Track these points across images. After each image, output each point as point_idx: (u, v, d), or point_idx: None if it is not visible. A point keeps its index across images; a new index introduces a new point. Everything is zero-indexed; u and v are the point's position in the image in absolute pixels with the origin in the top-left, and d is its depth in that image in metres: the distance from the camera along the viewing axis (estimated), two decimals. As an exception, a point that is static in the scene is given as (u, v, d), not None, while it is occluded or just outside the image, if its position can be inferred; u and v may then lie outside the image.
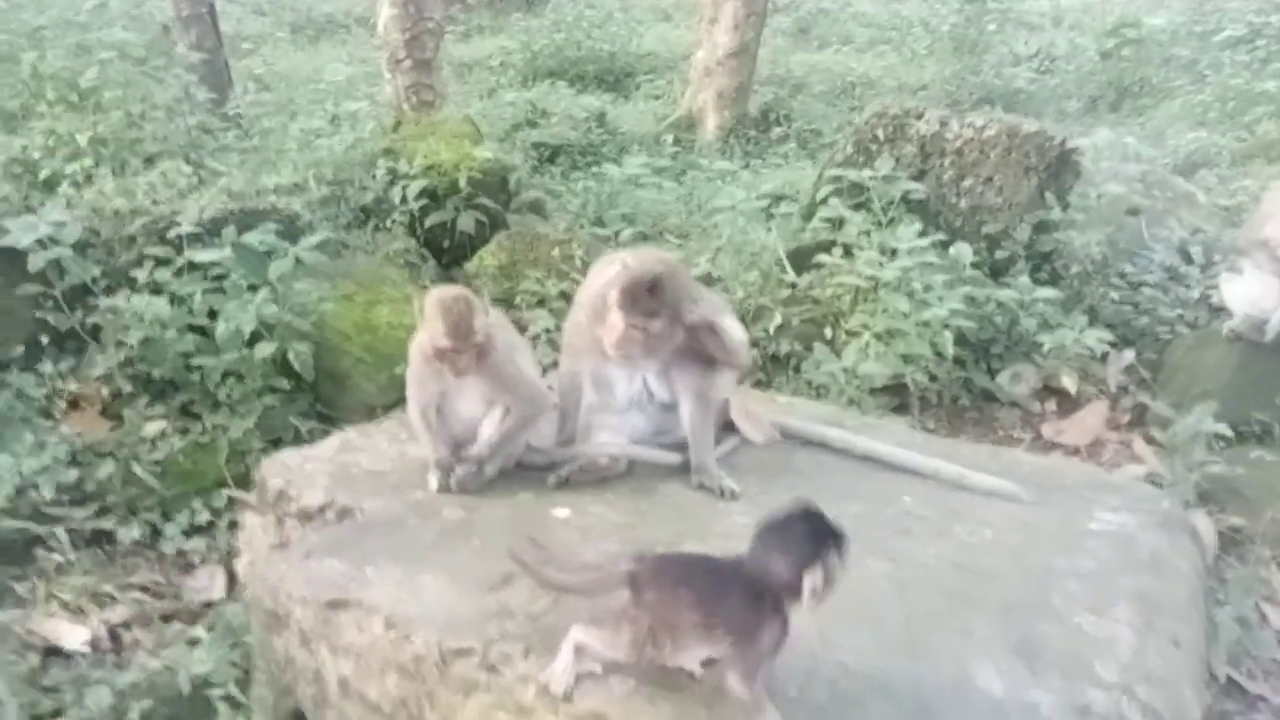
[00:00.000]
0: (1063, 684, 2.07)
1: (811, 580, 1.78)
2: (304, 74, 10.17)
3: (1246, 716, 3.34)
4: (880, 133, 5.46)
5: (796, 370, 4.85)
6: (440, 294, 2.73)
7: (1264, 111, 9.29)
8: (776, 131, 9.67)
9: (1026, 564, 2.54)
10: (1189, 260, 5.90)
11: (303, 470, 2.83)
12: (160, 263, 4.30)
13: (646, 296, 2.73)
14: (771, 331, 4.93)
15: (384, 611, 2.17)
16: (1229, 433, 4.20)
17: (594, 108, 9.69)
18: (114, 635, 3.40)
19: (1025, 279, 4.87)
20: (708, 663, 1.97)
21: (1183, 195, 6.74)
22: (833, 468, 3.10)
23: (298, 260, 4.23)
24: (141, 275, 4.24)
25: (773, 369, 4.89)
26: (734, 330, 3.13)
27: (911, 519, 2.76)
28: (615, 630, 1.88)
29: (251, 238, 4.28)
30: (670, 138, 9.37)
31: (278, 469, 2.84)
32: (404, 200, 5.55)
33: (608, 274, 2.92)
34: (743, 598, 1.80)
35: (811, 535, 1.81)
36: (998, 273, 5.10)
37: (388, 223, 5.60)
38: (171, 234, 4.38)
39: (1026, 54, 12.02)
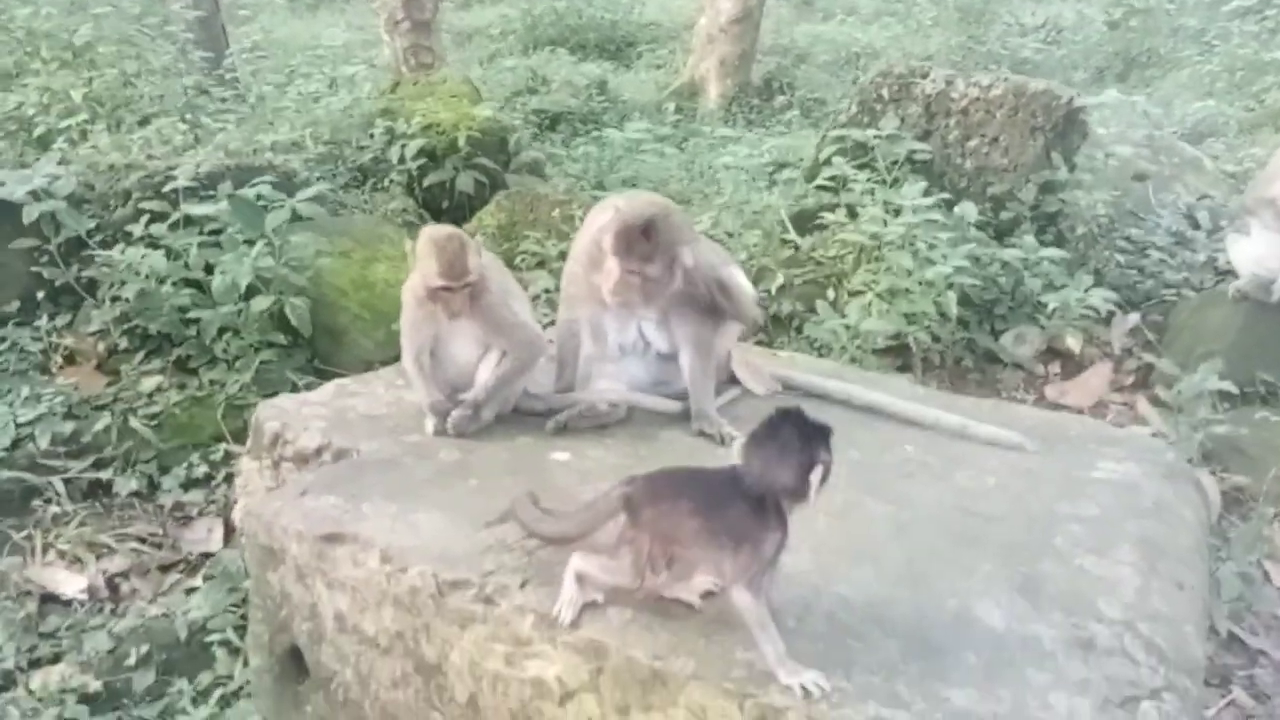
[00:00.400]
0: (1065, 619, 2.04)
1: (815, 478, 1.76)
2: (302, 41, 10.11)
3: (1248, 671, 3.33)
4: (885, 92, 5.39)
5: (799, 331, 4.81)
6: (433, 232, 2.66)
7: (1273, 81, 9.22)
8: (779, 100, 9.59)
9: (1029, 508, 2.51)
10: (1195, 225, 5.85)
11: (299, 414, 2.80)
12: (156, 217, 4.26)
13: (641, 240, 2.68)
14: (774, 292, 4.89)
15: (380, 545, 2.14)
16: (1234, 390, 4.16)
17: (595, 75, 9.62)
18: (112, 585, 3.40)
19: (1030, 239, 4.81)
20: (706, 595, 1.95)
21: (1189, 161, 6.68)
22: (833, 418, 3.01)
23: (294, 213, 4.19)
24: (137, 229, 4.21)
25: (774, 329, 4.85)
26: (741, 283, 3.08)
27: (913, 465, 2.73)
28: (615, 555, 1.86)
29: (248, 192, 4.24)
30: (672, 106, 9.30)
31: (273, 413, 2.80)
32: (402, 160, 5.50)
33: (601, 220, 2.87)
34: (743, 504, 1.78)
35: (804, 435, 1.81)
36: (1003, 234, 5.04)
37: (385, 182, 5.57)
38: (167, 188, 4.34)
39: (1033, 24, 11.92)
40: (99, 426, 3.81)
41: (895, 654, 1.87)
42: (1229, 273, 5.04)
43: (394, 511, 2.26)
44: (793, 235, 5.20)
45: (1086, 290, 4.62)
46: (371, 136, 5.69)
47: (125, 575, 3.44)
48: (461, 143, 5.55)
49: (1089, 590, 2.17)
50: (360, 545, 2.16)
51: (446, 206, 5.64)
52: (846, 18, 12.90)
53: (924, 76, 5.38)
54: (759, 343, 4.67)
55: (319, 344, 4.29)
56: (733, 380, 3.19)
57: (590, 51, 11.14)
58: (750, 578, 1.76)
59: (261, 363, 4.08)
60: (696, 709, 1.79)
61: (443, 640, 2.06)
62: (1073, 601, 2.12)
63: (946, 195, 4.90)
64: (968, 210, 4.80)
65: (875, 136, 5.11)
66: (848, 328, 4.36)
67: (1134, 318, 5.03)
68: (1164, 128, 7.37)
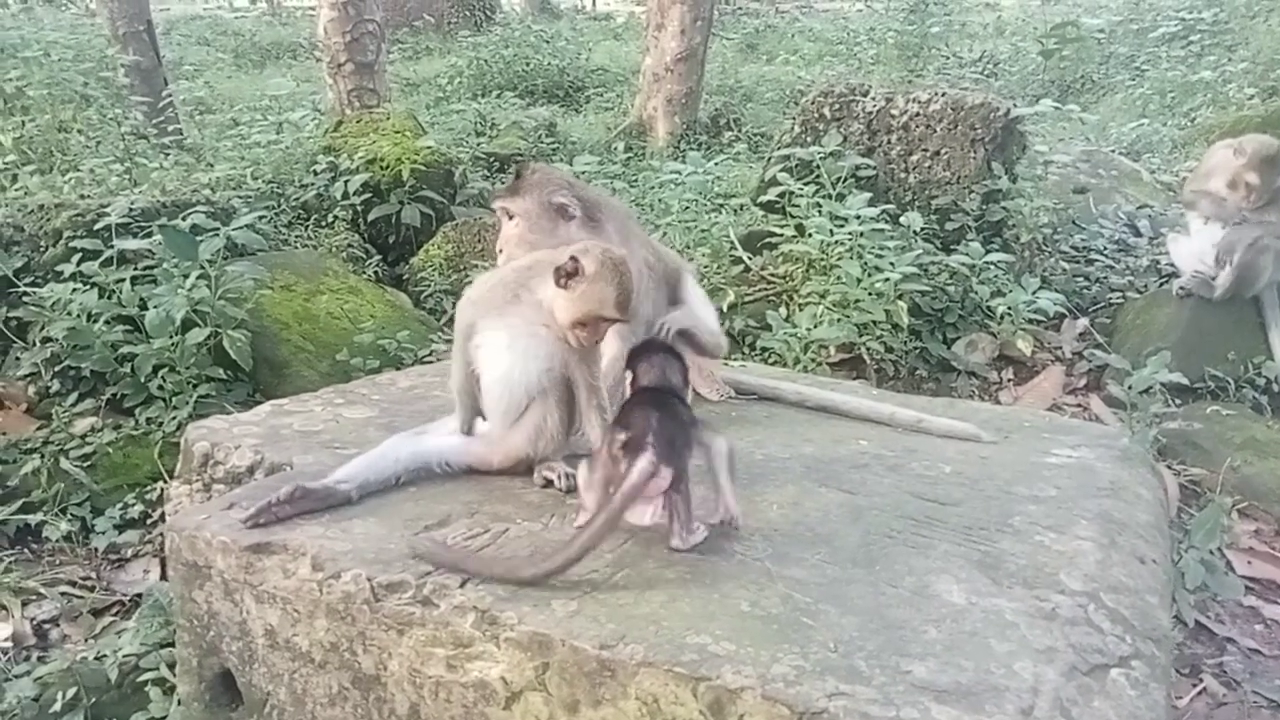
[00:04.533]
0: (1026, 593, 1.98)
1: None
2: (247, 94, 10.06)
3: (1218, 659, 3.28)
4: (826, 111, 5.45)
5: (751, 347, 4.78)
6: (610, 254, 2.24)
7: (1202, 100, 9.49)
8: (727, 136, 9.67)
9: (985, 492, 2.47)
10: (1137, 233, 5.96)
11: (230, 434, 2.69)
12: (88, 255, 4.15)
13: (514, 179, 2.64)
14: (725, 309, 4.85)
15: (310, 552, 2.02)
16: (1185, 382, 4.18)
17: (544, 118, 9.65)
18: (40, 631, 3.21)
19: (976, 245, 4.85)
20: None
21: (1128, 174, 6.83)
22: (786, 418, 3.03)
23: (230, 241, 4.08)
24: (68, 268, 4.09)
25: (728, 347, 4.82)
26: (703, 312, 3.03)
27: (868, 456, 2.68)
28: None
29: (182, 223, 4.14)
30: (622, 145, 9.33)
31: (203, 433, 2.69)
32: (345, 195, 5.42)
33: None
34: None
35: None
36: (949, 244, 5.07)
37: (330, 218, 5.47)
38: (100, 225, 4.23)
39: (971, 59, 12.23)
40: (27, 470, 3.65)
41: (853, 631, 1.79)
42: (1172, 275, 5.11)
43: (326, 519, 2.15)
44: (742, 253, 5.18)
45: (1034, 293, 4.65)
46: (314, 174, 5.62)
47: (55, 621, 3.26)
48: (406, 176, 5.49)
49: (1049, 564, 2.11)
50: (290, 554, 2.05)
51: (393, 240, 5.57)
52: (790, 57, 13.16)
53: (864, 94, 5.44)
54: (713, 360, 4.64)
55: (261, 377, 4.17)
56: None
57: (539, 97, 11.21)
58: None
59: (200, 398, 3.94)
60: (648, 698, 1.69)
61: (380, 648, 1.94)
62: (1033, 575, 2.06)
63: (891, 208, 4.94)
64: (913, 219, 4.82)
65: (819, 154, 5.14)
66: (799, 338, 4.32)
67: (1083, 322, 5.07)
68: (1101, 146, 7.54)
